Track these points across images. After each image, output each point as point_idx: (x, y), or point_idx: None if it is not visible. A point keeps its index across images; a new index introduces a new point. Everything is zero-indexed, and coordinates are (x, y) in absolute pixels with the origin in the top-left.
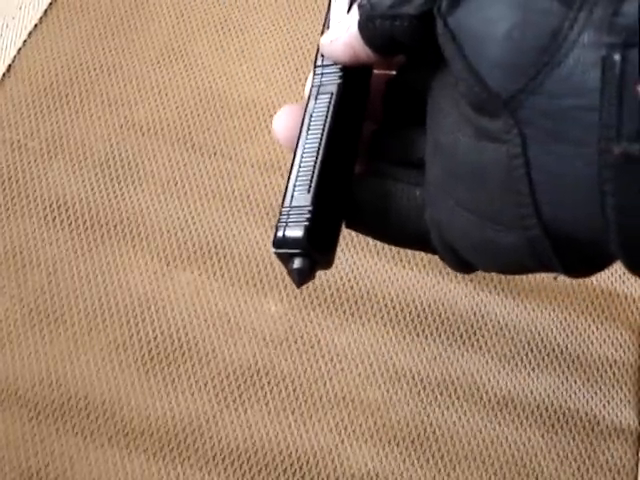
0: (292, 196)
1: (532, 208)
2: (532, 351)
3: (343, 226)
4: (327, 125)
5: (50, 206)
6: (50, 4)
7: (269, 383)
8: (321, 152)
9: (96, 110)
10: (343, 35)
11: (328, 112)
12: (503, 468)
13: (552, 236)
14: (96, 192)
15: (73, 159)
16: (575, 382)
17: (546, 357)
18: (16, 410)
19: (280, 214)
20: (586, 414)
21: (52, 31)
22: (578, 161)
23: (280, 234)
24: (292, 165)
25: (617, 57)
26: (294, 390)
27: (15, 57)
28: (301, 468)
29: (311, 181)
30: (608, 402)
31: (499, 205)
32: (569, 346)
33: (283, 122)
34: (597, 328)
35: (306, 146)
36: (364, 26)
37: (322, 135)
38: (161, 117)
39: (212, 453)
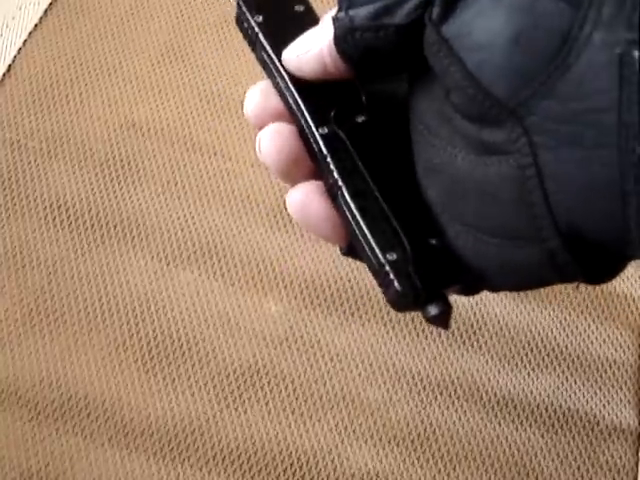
0: (380, 251)
1: (549, 218)
2: (532, 351)
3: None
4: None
5: (50, 206)
6: (50, 4)
7: (269, 383)
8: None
9: (96, 110)
10: (313, 49)
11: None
12: (503, 468)
13: (572, 244)
14: (96, 192)
15: (73, 159)
16: (575, 382)
17: (546, 357)
18: (16, 410)
19: (378, 274)
20: (586, 414)
21: (52, 31)
22: (595, 164)
23: (393, 293)
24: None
25: (637, 53)
26: (294, 390)
27: (15, 57)
28: (301, 468)
29: (394, 231)
30: (608, 402)
31: (512, 220)
32: (569, 346)
33: (271, 143)
34: (597, 328)
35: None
36: (342, 40)
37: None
38: (161, 117)
39: (212, 453)
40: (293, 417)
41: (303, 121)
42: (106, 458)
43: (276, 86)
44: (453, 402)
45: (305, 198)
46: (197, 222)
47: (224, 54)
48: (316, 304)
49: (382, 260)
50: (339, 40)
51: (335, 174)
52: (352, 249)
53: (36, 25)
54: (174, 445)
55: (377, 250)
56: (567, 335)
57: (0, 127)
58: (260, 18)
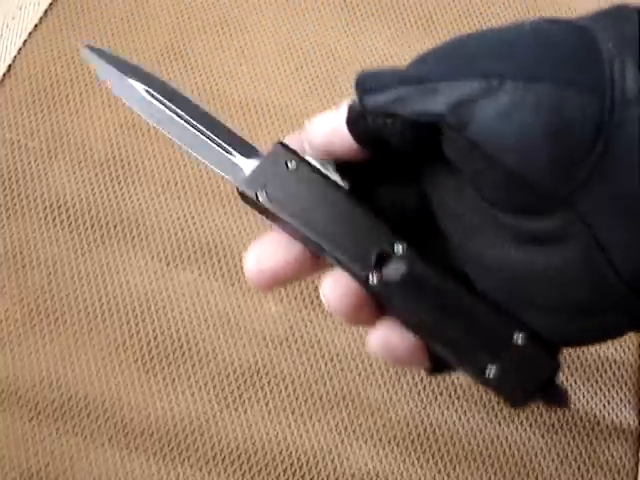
0: (478, 370)
1: (625, 288)
2: None
3: None
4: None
5: (50, 206)
6: (50, 4)
7: (269, 383)
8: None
9: (96, 110)
10: (326, 127)
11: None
12: (503, 468)
13: None
14: (96, 192)
15: (73, 159)
16: (575, 382)
17: None
18: (16, 410)
19: (485, 386)
20: (586, 414)
21: (52, 31)
22: None
23: (506, 400)
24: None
25: None
26: (294, 390)
27: (15, 57)
28: (301, 468)
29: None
30: (608, 402)
31: (590, 295)
32: None
33: (333, 292)
34: None
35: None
36: (353, 122)
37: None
38: None
39: (212, 453)
40: (293, 417)
41: (349, 274)
42: (106, 458)
43: (307, 245)
44: (453, 402)
45: (387, 338)
46: (197, 222)
47: (224, 54)
48: (316, 304)
49: (484, 377)
50: (351, 122)
51: (405, 317)
52: (438, 367)
53: (36, 25)
54: (174, 445)
55: (476, 370)
56: None
57: (0, 127)
58: (264, 194)
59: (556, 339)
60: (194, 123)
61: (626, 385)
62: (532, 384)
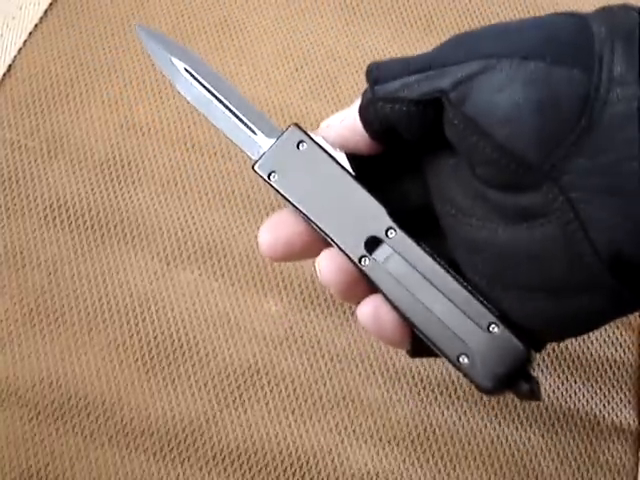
0: (453, 356)
1: (601, 266)
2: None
3: None
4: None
5: (50, 206)
6: (50, 4)
7: (269, 383)
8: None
9: (96, 110)
10: (340, 122)
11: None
12: (503, 468)
13: (630, 282)
14: (96, 192)
15: (73, 159)
16: (575, 382)
17: (546, 357)
18: (16, 410)
19: (458, 371)
20: (586, 414)
21: (52, 31)
22: (636, 208)
23: (477, 387)
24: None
25: None
26: (294, 390)
27: (15, 57)
28: (301, 468)
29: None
30: (608, 402)
31: (568, 273)
32: (569, 346)
33: (328, 266)
34: None
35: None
36: (364, 110)
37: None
38: (161, 117)
39: (212, 453)
40: (293, 417)
41: (343, 254)
42: (106, 458)
43: (309, 224)
44: (453, 402)
45: (376, 311)
46: (197, 222)
47: (224, 54)
48: (316, 304)
49: (457, 362)
50: (362, 110)
51: (391, 299)
52: (418, 350)
53: (36, 25)
54: (174, 445)
55: (450, 355)
56: None
57: (0, 127)
58: (275, 176)
59: (536, 326)
60: (225, 102)
61: (626, 385)
62: (503, 374)
